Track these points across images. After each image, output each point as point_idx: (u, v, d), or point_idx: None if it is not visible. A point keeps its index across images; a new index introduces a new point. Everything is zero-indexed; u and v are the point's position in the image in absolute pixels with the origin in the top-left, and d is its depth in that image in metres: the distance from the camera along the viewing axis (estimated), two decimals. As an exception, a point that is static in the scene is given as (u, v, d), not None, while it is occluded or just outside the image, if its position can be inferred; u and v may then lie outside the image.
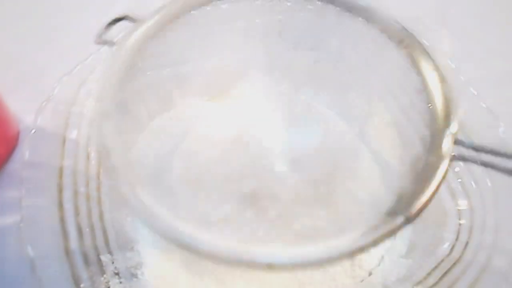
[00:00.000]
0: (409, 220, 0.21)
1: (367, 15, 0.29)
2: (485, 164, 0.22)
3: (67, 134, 0.29)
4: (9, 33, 0.40)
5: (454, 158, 0.23)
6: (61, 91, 0.30)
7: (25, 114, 0.34)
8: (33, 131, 0.29)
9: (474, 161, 0.23)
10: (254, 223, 0.27)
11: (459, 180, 0.31)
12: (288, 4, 0.31)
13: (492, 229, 0.28)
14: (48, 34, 0.40)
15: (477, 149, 0.23)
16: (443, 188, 0.30)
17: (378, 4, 0.29)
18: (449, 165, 0.22)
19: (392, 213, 0.22)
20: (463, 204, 0.30)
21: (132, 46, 0.26)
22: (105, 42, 0.27)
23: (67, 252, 0.25)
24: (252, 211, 0.28)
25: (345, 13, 0.29)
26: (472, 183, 0.30)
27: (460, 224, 0.29)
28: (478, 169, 0.30)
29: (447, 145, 0.23)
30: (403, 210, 0.22)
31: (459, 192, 0.30)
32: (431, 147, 0.24)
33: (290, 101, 0.33)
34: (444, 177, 0.22)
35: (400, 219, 0.21)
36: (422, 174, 0.23)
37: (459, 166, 0.31)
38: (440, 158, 0.23)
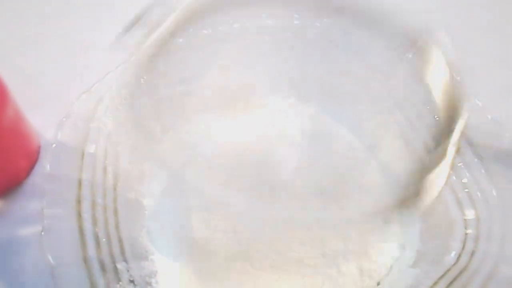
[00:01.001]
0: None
1: (373, 30, 0.30)
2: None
3: (85, 149, 0.30)
4: (31, 53, 0.42)
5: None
6: (80, 107, 0.31)
7: (46, 129, 0.36)
8: (53, 145, 0.30)
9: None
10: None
11: (466, 190, 0.31)
12: (296, 22, 0.32)
13: (498, 239, 0.28)
14: (67, 53, 0.42)
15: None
16: (450, 198, 0.31)
17: (383, 18, 0.29)
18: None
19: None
20: (470, 214, 0.30)
21: (146, 64, 0.28)
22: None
23: (85, 260, 0.26)
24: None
25: (351, 28, 0.30)
26: (479, 193, 0.31)
27: (466, 234, 0.29)
28: (485, 180, 0.31)
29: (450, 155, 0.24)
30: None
31: (466, 202, 0.31)
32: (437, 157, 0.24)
33: (299, 114, 0.34)
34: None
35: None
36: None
37: (466, 177, 0.32)
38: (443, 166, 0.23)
